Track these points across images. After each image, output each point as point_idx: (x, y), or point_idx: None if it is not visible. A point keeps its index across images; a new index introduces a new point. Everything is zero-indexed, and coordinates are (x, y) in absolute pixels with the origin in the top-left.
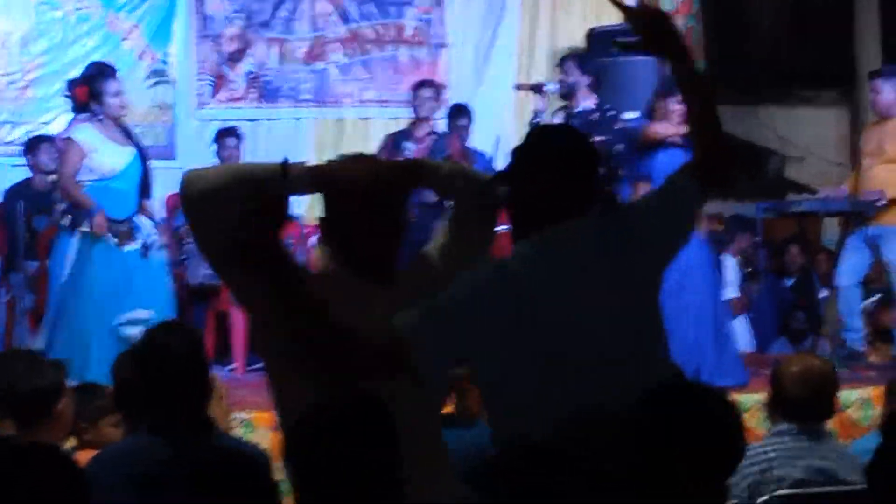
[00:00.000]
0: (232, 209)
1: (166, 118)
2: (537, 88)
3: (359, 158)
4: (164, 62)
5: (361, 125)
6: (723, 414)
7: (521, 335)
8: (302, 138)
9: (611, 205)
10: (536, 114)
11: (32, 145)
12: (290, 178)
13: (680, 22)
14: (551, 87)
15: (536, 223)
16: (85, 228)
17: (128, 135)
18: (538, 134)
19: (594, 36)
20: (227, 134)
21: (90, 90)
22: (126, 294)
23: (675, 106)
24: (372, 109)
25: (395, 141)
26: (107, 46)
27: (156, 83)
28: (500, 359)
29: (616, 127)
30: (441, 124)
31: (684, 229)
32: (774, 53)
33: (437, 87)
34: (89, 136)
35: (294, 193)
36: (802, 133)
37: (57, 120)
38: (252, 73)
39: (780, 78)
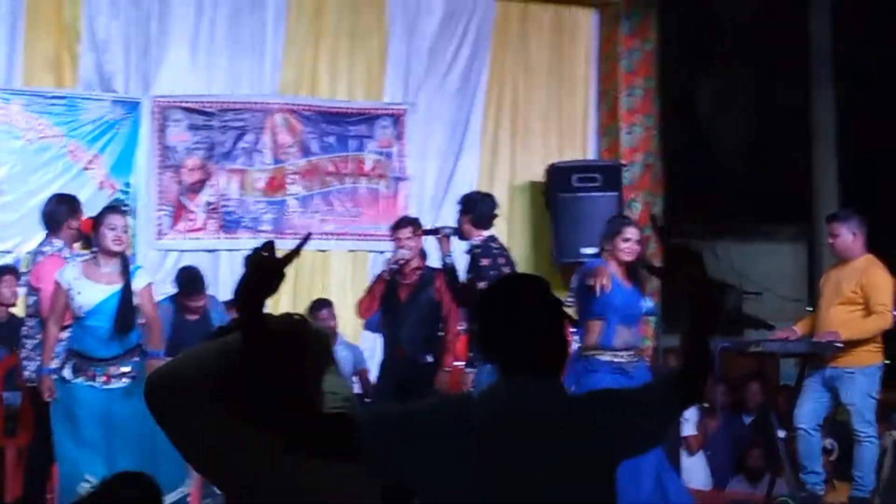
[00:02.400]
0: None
1: (127, 248)
2: (436, 232)
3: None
4: (125, 192)
5: (320, 258)
6: None
7: (467, 470)
8: None
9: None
10: (443, 256)
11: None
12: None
13: (638, 159)
14: (447, 230)
15: (511, 367)
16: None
17: (124, 269)
18: (508, 284)
19: (554, 170)
20: (192, 280)
21: (94, 223)
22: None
23: (622, 245)
24: (331, 242)
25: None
26: (68, 175)
27: (121, 207)
28: (440, 483)
29: (499, 257)
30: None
31: (656, 437)
32: (733, 189)
33: (415, 224)
34: (68, 275)
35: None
36: (760, 268)
37: (18, 248)
38: (212, 203)
39: (738, 213)
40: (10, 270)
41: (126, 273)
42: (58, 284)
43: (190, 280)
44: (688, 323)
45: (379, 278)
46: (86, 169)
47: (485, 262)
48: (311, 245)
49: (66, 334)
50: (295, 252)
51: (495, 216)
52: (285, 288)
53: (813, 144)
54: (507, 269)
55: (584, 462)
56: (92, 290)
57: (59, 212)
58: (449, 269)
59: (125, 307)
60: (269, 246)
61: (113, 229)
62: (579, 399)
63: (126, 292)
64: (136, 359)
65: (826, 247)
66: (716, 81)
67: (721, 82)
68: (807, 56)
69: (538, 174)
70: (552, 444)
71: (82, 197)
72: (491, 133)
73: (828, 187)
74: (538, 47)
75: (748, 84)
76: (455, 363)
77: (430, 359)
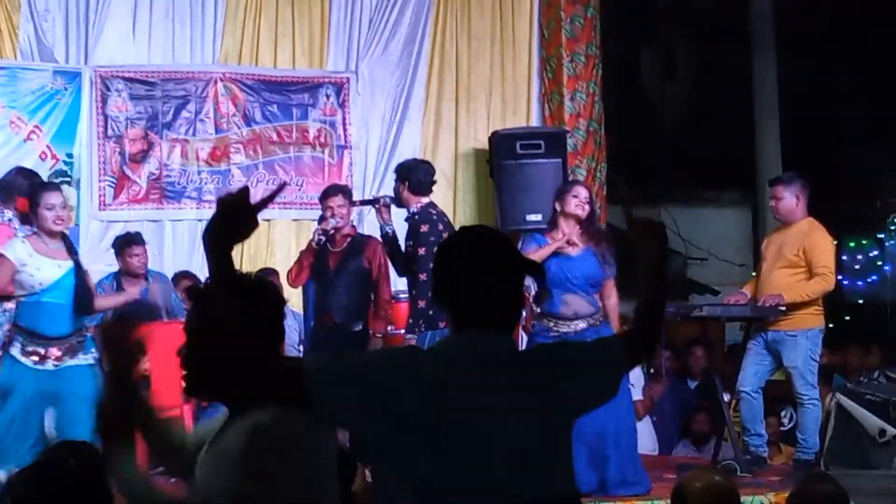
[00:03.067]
0: None
1: (69, 219)
2: (374, 202)
3: None
4: (68, 163)
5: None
6: None
7: (414, 423)
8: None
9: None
10: (383, 225)
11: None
12: None
13: (582, 125)
14: (385, 199)
15: (464, 320)
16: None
17: (69, 248)
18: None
19: (497, 137)
20: (130, 243)
21: (30, 202)
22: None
23: (573, 201)
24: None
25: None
26: (9, 146)
27: (59, 183)
28: (387, 433)
29: (438, 223)
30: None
31: (608, 391)
32: (677, 155)
33: (345, 192)
34: (20, 251)
35: None
36: (705, 233)
37: None
38: (154, 173)
39: (682, 179)
40: None
41: (72, 250)
42: (3, 258)
43: (127, 238)
44: (647, 288)
45: (308, 247)
46: (27, 140)
47: (424, 228)
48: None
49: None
50: (269, 198)
51: (433, 182)
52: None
53: (755, 109)
54: (445, 234)
55: (537, 417)
56: (49, 267)
57: (17, 184)
58: (390, 239)
59: (82, 285)
60: (245, 190)
61: (51, 209)
62: (530, 353)
63: (79, 270)
64: (85, 339)
65: (769, 211)
66: (658, 47)
67: (663, 48)
68: (748, 21)
69: (482, 142)
70: (504, 398)
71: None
72: (434, 101)
73: (770, 152)
74: (480, 14)
75: (690, 49)
76: (390, 329)
77: (359, 326)
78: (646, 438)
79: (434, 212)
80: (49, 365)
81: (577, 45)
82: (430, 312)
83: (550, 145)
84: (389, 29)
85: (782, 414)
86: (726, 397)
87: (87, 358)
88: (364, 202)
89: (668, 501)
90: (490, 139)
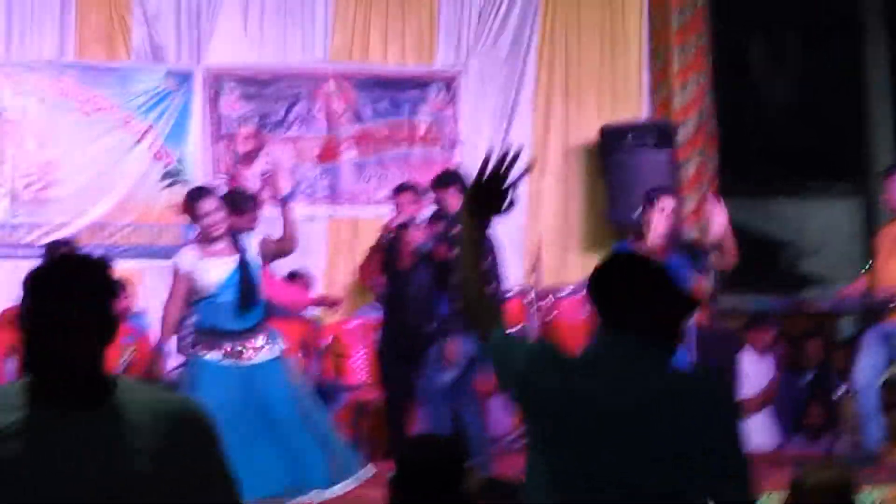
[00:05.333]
0: None
1: (182, 219)
2: (409, 223)
3: None
4: (180, 163)
5: (376, 224)
6: None
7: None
8: (316, 237)
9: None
10: (420, 245)
11: (51, 250)
12: None
13: (692, 117)
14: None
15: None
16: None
17: (236, 245)
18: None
19: (607, 132)
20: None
21: (186, 209)
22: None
23: (657, 223)
24: (385, 208)
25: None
26: (123, 147)
27: (171, 183)
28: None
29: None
30: None
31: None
32: (786, 146)
33: (415, 189)
34: (190, 258)
35: None
36: (816, 225)
37: (74, 221)
38: (266, 172)
39: (793, 171)
40: (67, 244)
41: (237, 245)
42: (177, 270)
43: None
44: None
45: (376, 245)
46: (140, 140)
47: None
48: (367, 211)
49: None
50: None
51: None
52: (346, 253)
53: (866, 99)
54: None
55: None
56: (217, 267)
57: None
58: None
59: (247, 281)
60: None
61: (206, 216)
62: (682, 378)
63: (244, 266)
64: (269, 332)
65: (881, 204)
66: (767, 37)
67: (772, 38)
68: (859, 11)
69: (592, 135)
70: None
71: (138, 169)
72: (543, 95)
73: (882, 142)
74: (589, 7)
75: (799, 39)
76: None
77: (433, 326)
78: (763, 433)
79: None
80: (230, 361)
81: (687, 37)
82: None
83: (660, 138)
84: (499, 23)
85: None
86: (841, 391)
87: (273, 351)
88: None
89: (786, 494)
90: (600, 133)
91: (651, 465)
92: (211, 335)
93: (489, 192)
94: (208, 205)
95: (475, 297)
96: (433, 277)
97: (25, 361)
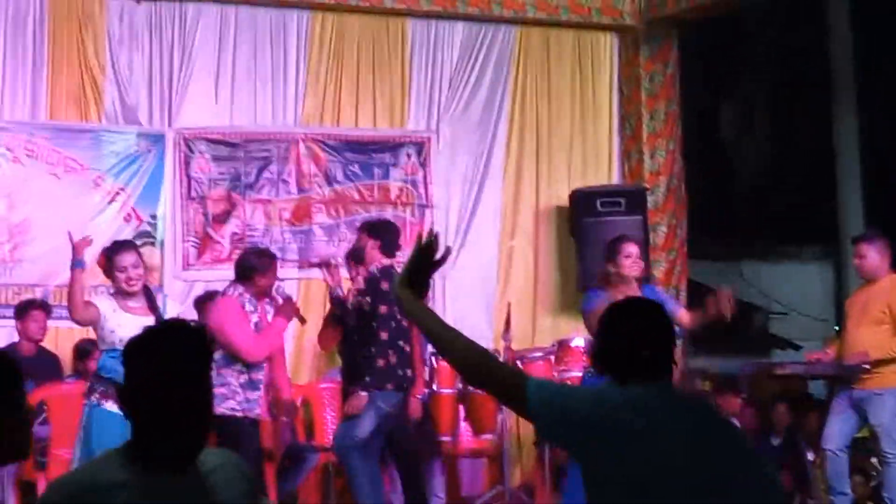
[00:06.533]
0: None
1: (153, 279)
2: (324, 263)
3: None
4: (151, 224)
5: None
6: None
7: (623, 458)
8: None
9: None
10: (333, 287)
11: (21, 310)
12: None
13: (662, 182)
14: (335, 260)
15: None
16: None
17: (151, 304)
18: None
19: (578, 196)
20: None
21: (105, 261)
22: None
23: (625, 262)
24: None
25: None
26: (93, 207)
27: (142, 245)
28: (595, 466)
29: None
30: None
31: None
32: (757, 209)
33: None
34: (105, 306)
35: None
36: (786, 288)
37: (43, 281)
38: (237, 233)
39: (763, 234)
40: (39, 305)
41: (154, 306)
42: (94, 305)
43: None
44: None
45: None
46: (111, 201)
47: (385, 286)
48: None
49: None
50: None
51: (400, 247)
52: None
53: (836, 164)
54: None
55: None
56: (130, 324)
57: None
58: (339, 301)
59: None
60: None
61: (123, 271)
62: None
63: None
64: None
65: (852, 267)
66: (737, 103)
67: (742, 104)
68: (828, 75)
69: (563, 199)
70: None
71: (109, 230)
72: (515, 159)
73: (852, 206)
74: (560, 73)
75: (770, 104)
76: (439, 389)
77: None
78: None
79: (394, 272)
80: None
81: (657, 103)
82: (394, 372)
83: (631, 202)
84: (470, 89)
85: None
86: (810, 455)
87: None
88: (312, 264)
89: None
90: (570, 197)
91: None
92: (113, 386)
93: (420, 274)
94: (128, 259)
95: (465, 347)
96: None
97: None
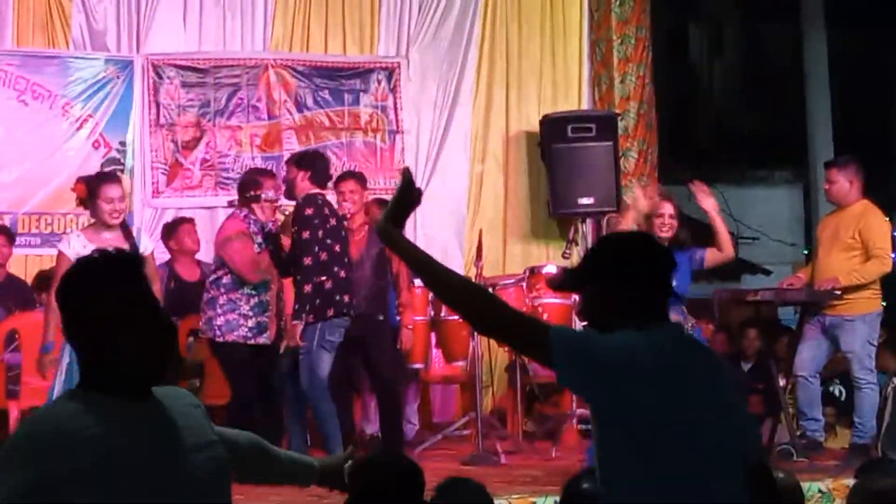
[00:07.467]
0: None
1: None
2: (254, 199)
3: None
4: (120, 151)
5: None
6: None
7: (641, 400)
8: None
9: None
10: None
11: None
12: None
13: (633, 108)
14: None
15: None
16: None
17: (127, 235)
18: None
19: (548, 121)
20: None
21: (87, 191)
22: None
23: (657, 221)
24: (328, 196)
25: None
26: (61, 134)
27: (118, 176)
28: (615, 410)
29: (324, 206)
30: None
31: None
32: (727, 134)
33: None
34: (75, 245)
35: None
36: (756, 213)
37: (11, 209)
38: (207, 160)
39: (733, 159)
40: (3, 231)
41: (130, 238)
42: (62, 255)
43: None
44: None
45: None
46: (80, 128)
47: (309, 211)
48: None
49: None
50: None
51: (331, 176)
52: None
53: (806, 88)
54: (333, 221)
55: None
56: None
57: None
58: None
59: None
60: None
61: (110, 202)
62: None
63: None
64: None
65: (822, 192)
66: (707, 27)
67: (712, 28)
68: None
69: (533, 125)
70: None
71: (78, 157)
72: (485, 85)
73: (822, 129)
74: None
75: (740, 29)
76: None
77: (381, 316)
78: None
79: (320, 198)
80: None
81: (627, 28)
82: (317, 301)
83: (601, 128)
84: (440, 14)
85: (832, 389)
86: (781, 381)
87: None
88: (244, 200)
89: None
90: (541, 123)
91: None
92: None
93: (403, 211)
94: (115, 191)
95: (460, 283)
96: (381, 266)
97: (92, 358)
